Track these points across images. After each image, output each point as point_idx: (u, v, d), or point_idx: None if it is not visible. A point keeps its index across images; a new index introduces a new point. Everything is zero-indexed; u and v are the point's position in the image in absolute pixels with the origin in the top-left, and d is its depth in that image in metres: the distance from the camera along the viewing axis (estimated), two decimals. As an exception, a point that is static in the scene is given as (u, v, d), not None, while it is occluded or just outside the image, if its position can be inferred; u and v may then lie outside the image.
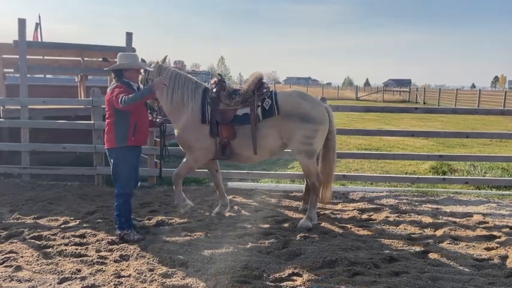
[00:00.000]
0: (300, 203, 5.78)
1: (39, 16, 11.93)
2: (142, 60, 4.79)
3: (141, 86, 4.66)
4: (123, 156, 4.34)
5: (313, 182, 4.88)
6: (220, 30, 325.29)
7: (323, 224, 4.96)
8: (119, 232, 4.31)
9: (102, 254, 3.97)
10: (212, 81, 5.02)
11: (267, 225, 4.86)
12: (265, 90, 4.78)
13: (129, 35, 7.18)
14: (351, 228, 4.85)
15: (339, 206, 5.76)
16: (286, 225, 4.91)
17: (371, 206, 5.72)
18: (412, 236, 4.61)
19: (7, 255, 3.86)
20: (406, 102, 37.60)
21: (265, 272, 3.58)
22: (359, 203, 5.89)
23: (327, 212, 5.43)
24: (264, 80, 4.89)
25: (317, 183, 4.87)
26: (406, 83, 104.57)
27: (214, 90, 4.82)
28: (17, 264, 3.69)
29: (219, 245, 4.22)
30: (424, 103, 34.38)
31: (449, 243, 4.37)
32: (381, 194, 6.35)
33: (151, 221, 4.92)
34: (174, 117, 4.93)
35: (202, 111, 4.76)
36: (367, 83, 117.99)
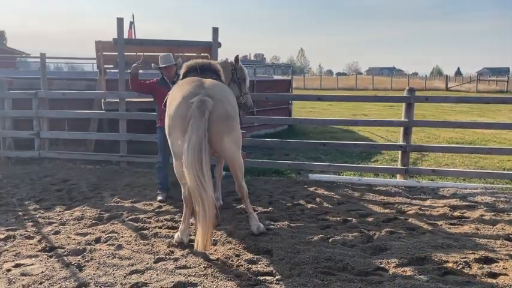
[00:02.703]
0: (385, 197, 5.61)
1: (133, 15, 12.81)
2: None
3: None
4: (158, 135, 5.67)
5: None
6: (299, 21, 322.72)
7: (410, 220, 4.77)
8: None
9: (192, 237, 4.20)
10: None
11: (350, 219, 4.80)
12: None
13: (215, 30, 7.43)
14: (441, 225, 4.61)
15: (428, 202, 5.49)
16: (370, 219, 4.80)
17: (463, 203, 5.37)
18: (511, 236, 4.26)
19: (109, 235, 4.25)
20: (503, 92, 34.43)
21: (350, 264, 3.55)
22: (450, 200, 5.56)
23: (414, 208, 5.21)
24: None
25: None
26: (504, 71, 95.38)
27: None
28: (118, 243, 4.05)
29: (302, 235, 4.25)
30: (526, 93, 31.20)
31: (556, 247, 3.97)
32: (475, 190, 5.92)
33: (235, 209, 5.10)
34: None
35: None
36: (458, 72, 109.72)
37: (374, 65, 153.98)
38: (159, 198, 5.44)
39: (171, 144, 3.93)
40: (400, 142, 6.60)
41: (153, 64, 5.78)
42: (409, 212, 5.07)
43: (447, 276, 3.42)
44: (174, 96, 3.93)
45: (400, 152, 6.61)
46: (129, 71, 5.89)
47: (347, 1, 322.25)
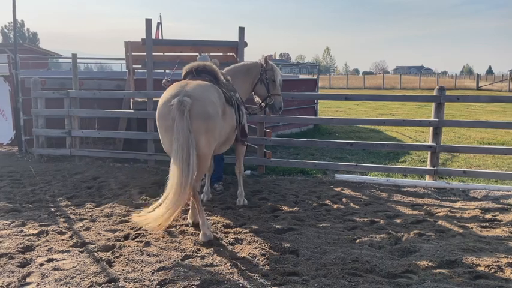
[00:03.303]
0: (414, 199, 5.51)
1: (160, 16, 13.00)
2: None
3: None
4: None
5: None
6: (325, 20, 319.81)
7: (440, 222, 4.66)
8: None
9: (218, 235, 4.24)
10: None
11: (377, 220, 4.73)
12: None
13: (241, 30, 7.46)
14: (472, 228, 4.49)
15: (458, 204, 5.35)
16: (398, 220, 4.72)
17: (496, 206, 5.21)
18: (548, 241, 4.11)
19: (138, 232, 4.33)
20: (538, 91, 33.20)
21: (378, 266, 3.50)
22: (481, 202, 5.41)
23: (444, 209, 5.09)
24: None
25: None
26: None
27: None
28: (146, 240, 4.12)
29: (328, 236, 4.22)
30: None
31: None
32: (509, 193, 5.73)
33: (261, 208, 5.11)
34: None
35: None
36: (489, 71, 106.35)
37: (402, 64, 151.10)
38: (218, 189, 5.94)
39: (162, 144, 4.23)
40: (430, 142, 6.46)
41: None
42: (439, 214, 4.96)
43: (479, 280, 3.32)
44: (160, 100, 4.17)
45: (429, 152, 6.46)
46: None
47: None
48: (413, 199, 5.60)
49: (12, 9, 8.23)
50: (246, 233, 4.28)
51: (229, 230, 4.39)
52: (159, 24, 12.89)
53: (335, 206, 5.27)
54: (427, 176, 6.42)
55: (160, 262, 3.60)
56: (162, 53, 8.76)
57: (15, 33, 9.44)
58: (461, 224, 4.60)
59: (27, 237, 4.13)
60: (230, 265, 3.55)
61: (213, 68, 4.67)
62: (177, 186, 3.76)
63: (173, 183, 3.79)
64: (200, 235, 4.11)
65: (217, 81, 4.61)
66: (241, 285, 3.22)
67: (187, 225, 4.50)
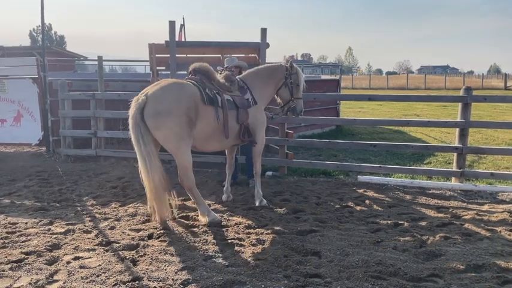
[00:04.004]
0: (439, 201, 5.41)
1: (183, 18, 13.14)
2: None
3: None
4: None
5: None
6: (347, 19, 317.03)
7: (466, 225, 4.55)
8: None
9: (240, 236, 4.25)
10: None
11: (401, 222, 4.65)
12: None
13: (263, 31, 7.46)
14: (500, 231, 4.36)
15: (486, 207, 5.22)
16: (423, 223, 4.63)
17: (526, 209, 5.05)
18: None
19: (161, 231, 4.38)
20: None
21: (402, 269, 3.44)
22: (510, 205, 5.26)
23: (471, 212, 4.97)
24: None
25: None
26: None
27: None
28: (170, 239, 4.17)
29: (351, 238, 4.18)
30: None
31: None
32: (539, 196, 5.56)
33: (283, 209, 5.10)
34: None
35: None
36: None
37: (426, 63, 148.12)
38: (251, 185, 6.10)
39: None
40: (456, 144, 6.32)
41: (218, 66, 6.10)
42: (465, 217, 4.84)
43: (507, 286, 3.23)
44: None
45: (455, 154, 6.32)
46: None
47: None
48: (439, 201, 5.49)
49: (41, 14, 8.47)
50: (268, 234, 4.28)
51: (251, 230, 4.40)
52: (182, 26, 13.02)
53: (358, 207, 5.22)
54: (453, 178, 6.28)
55: (183, 262, 3.64)
56: (185, 55, 8.85)
57: (43, 37, 9.71)
58: (489, 227, 4.48)
59: (54, 236, 4.24)
60: (252, 266, 3.55)
61: (207, 69, 4.94)
62: (144, 177, 4.43)
63: (142, 173, 4.46)
64: (200, 218, 4.64)
65: (208, 80, 4.87)
66: (263, 286, 3.22)
67: (209, 226, 4.53)
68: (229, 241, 4.12)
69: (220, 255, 3.81)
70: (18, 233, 4.32)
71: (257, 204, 5.27)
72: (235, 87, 5.10)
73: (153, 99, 4.34)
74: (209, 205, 5.28)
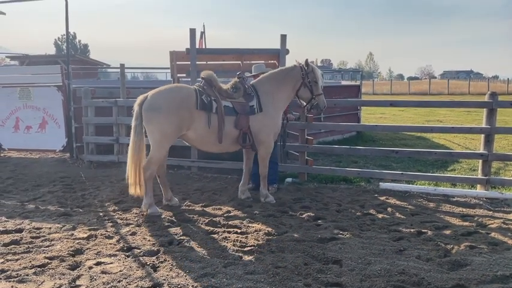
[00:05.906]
0: (464, 209, 5.27)
1: (204, 25, 13.27)
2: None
3: None
4: None
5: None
6: (368, 24, 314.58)
7: (493, 234, 4.42)
8: None
9: (260, 243, 4.23)
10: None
11: (425, 231, 4.55)
12: None
13: (283, 37, 7.46)
14: (529, 241, 4.22)
15: (513, 216, 5.06)
16: (447, 232, 4.52)
17: (556, 218, 4.88)
18: None
19: (181, 237, 4.40)
20: None
21: (426, 279, 3.36)
22: (539, 214, 5.08)
23: (497, 221, 4.82)
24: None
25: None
26: None
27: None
28: (190, 246, 4.18)
29: (372, 246, 4.11)
30: None
31: None
32: None
33: (303, 216, 5.06)
34: None
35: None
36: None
37: (449, 68, 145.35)
38: (272, 191, 6.15)
39: None
40: (481, 150, 6.16)
41: (246, 72, 6.36)
42: (491, 226, 4.70)
43: (538, 299, 3.11)
44: None
45: (480, 160, 6.16)
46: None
47: (417, 0, 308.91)
48: (464, 209, 5.35)
49: (65, 23, 8.69)
50: (288, 241, 4.25)
51: (271, 237, 4.38)
52: (203, 33, 13.15)
53: (380, 215, 5.13)
54: (478, 185, 6.12)
55: (203, 268, 3.64)
56: (205, 62, 8.93)
57: (67, 45, 9.95)
58: (517, 237, 4.34)
59: (77, 241, 4.30)
60: (272, 274, 3.52)
61: (210, 76, 5.28)
62: (128, 156, 5.12)
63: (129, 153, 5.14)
64: (143, 207, 5.15)
65: (210, 87, 5.22)
66: (283, 294, 3.19)
67: (229, 232, 4.53)
68: (249, 248, 4.10)
69: (240, 262, 3.79)
70: (42, 238, 4.40)
71: (262, 200, 5.62)
72: (240, 93, 5.34)
73: (151, 97, 5.02)
74: (229, 211, 5.30)
